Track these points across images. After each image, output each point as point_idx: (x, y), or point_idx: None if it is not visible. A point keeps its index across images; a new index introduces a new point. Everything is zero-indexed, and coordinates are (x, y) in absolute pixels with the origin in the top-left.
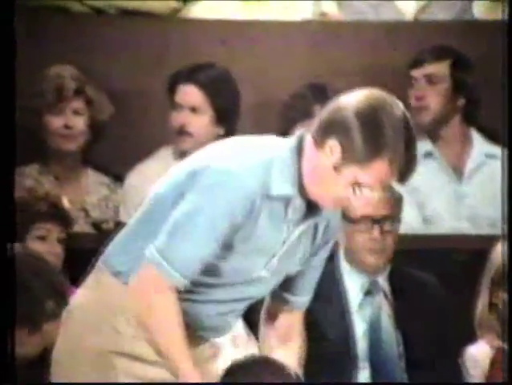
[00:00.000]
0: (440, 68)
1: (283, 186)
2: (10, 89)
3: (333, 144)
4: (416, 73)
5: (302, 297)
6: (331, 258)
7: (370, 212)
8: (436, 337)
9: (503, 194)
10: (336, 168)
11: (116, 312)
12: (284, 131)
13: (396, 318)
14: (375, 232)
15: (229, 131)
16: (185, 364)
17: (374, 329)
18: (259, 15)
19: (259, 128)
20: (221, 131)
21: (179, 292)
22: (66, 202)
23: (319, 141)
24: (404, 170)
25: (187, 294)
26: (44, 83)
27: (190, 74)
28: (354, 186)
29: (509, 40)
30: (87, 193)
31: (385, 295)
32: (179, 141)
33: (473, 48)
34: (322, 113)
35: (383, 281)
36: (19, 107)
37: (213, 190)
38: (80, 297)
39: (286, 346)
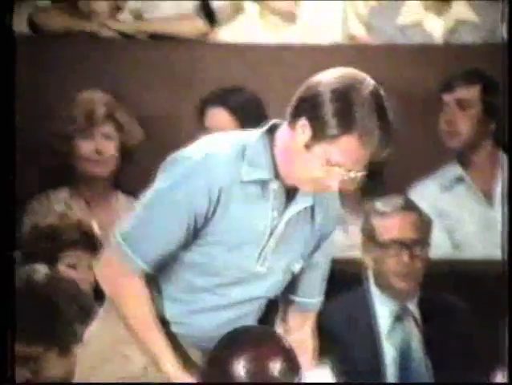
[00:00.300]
0: (471, 93)
1: (255, 171)
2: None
3: (303, 123)
4: (447, 97)
5: (311, 299)
6: (361, 282)
7: (399, 236)
8: (465, 362)
9: None
10: (308, 147)
11: (127, 341)
12: None
13: (426, 343)
14: (405, 256)
15: None
16: (158, 347)
17: (404, 355)
18: (288, 39)
19: None
20: None
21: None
22: (96, 228)
23: (291, 122)
24: (378, 148)
25: (187, 305)
26: (75, 108)
27: (219, 98)
28: (326, 165)
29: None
30: (118, 218)
31: (415, 321)
32: None
33: (502, 71)
34: (295, 94)
35: (413, 306)
36: (50, 131)
37: (175, 177)
38: (93, 326)
39: (300, 350)
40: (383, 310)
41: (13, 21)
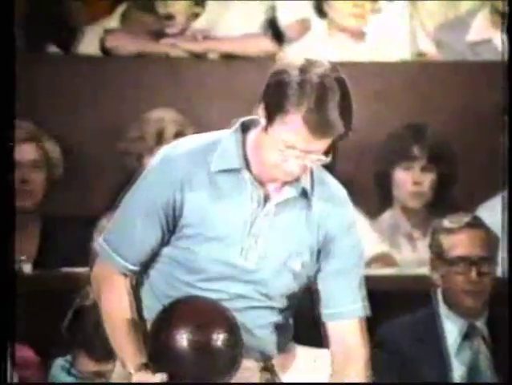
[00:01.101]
0: None
1: (224, 162)
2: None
3: (261, 107)
4: None
5: (341, 308)
6: (430, 300)
7: (466, 252)
8: None
9: None
10: (266, 130)
11: None
12: (383, 172)
13: (495, 361)
14: (473, 273)
15: (328, 171)
16: (124, 347)
17: (472, 373)
18: (356, 56)
19: (357, 169)
20: None
21: None
22: None
23: (257, 110)
24: (329, 131)
25: None
26: (145, 126)
27: None
28: (283, 147)
29: None
30: None
31: (484, 339)
32: None
33: None
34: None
35: (481, 324)
36: (121, 150)
37: (141, 177)
38: None
39: (348, 359)
40: (451, 327)
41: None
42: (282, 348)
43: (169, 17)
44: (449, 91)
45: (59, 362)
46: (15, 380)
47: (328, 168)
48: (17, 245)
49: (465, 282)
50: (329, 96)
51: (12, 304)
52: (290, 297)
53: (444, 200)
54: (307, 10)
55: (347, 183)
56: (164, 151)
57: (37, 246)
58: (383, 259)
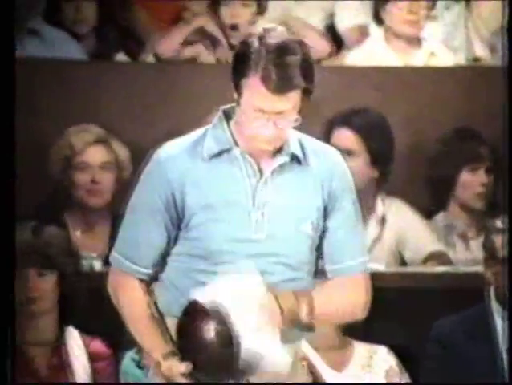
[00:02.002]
0: None
1: (213, 146)
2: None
3: (233, 83)
4: None
5: (340, 265)
6: (482, 297)
7: None
8: None
9: None
10: (238, 103)
11: None
12: (446, 174)
13: None
14: None
15: (384, 174)
16: (148, 344)
17: None
18: (412, 61)
19: (412, 171)
20: (376, 173)
21: None
22: None
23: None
24: (279, 83)
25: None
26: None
27: (346, 119)
28: (254, 113)
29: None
30: None
31: None
32: None
33: None
34: None
35: None
36: None
37: (144, 181)
38: None
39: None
40: (503, 324)
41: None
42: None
43: (234, 27)
44: (503, 95)
45: (130, 355)
46: (20, 379)
47: (384, 171)
48: (87, 242)
49: None
50: (284, 55)
51: (12, 305)
52: (308, 264)
53: (499, 200)
54: (365, 17)
55: (402, 184)
56: (156, 154)
57: (107, 244)
58: (438, 257)
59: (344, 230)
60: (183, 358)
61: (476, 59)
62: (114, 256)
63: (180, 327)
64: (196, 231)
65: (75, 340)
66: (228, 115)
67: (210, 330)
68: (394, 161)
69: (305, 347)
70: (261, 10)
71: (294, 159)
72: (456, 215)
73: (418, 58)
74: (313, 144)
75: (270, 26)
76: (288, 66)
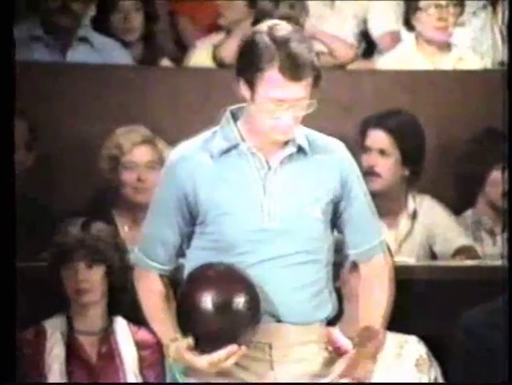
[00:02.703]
0: None
1: (222, 143)
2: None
3: (241, 83)
4: None
5: (367, 245)
6: (504, 288)
7: None
8: None
9: None
10: (253, 99)
11: None
12: (476, 172)
13: None
14: None
15: (415, 172)
16: (163, 336)
17: None
18: (442, 65)
19: (441, 169)
20: (407, 171)
21: None
22: None
23: (238, 90)
24: (296, 70)
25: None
26: None
27: (379, 120)
28: (272, 104)
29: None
30: None
31: None
32: (368, 181)
33: None
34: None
35: None
36: None
37: (160, 183)
38: None
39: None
40: None
41: (15, 52)
42: (325, 313)
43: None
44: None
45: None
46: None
47: (415, 170)
48: (134, 237)
49: None
50: (295, 45)
51: (13, 308)
52: (324, 250)
53: None
54: (397, 24)
55: (432, 182)
56: (170, 156)
57: None
58: (466, 251)
59: (362, 216)
60: (185, 328)
61: (501, 63)
62: (135, 252)
63: (182, 297)
64: (212, 226)
65: (122, 329)
66: (235, 115)
67: (209, 300)
68: (425, 160)
69: (337, 334)
70: (299, 21)
71: (301, 150)
72: (484, 212)
73: (447, 63)
74: (320, 138)
75: (272, 22)
76: (300, 54)
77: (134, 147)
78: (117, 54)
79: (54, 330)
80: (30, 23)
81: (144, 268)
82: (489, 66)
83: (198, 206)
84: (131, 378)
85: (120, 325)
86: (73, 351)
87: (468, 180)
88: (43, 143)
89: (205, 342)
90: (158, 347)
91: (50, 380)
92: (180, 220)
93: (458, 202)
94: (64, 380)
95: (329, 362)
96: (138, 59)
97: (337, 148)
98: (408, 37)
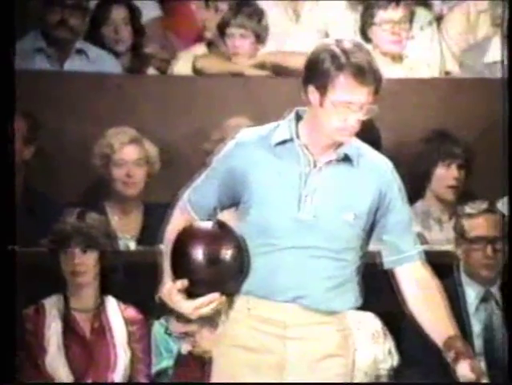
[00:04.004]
0: None
1: (279, 136)
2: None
3: (311, 89)
4: None
5: (404, 253)
6: (453, 271)
7: (483, 233)
8: None
9: None
10: (321, 104)
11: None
12: (424, 169)
13: (506, 320)
14: (488, 250)
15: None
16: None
17: (487, 330)
18: (396, 74)
19: (395, 167)
20: None
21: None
22: None
23: (304, 92)
24: (365, 74)
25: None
26: (225, 131)
27: None
28: (340, 108)
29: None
30: None
31: (496, 302)
32: None
33: None
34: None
35: (495, 290)
36: (206, 150)
37: (221, 154)
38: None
39: (428, 296)
40: (470, 292)
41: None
42: (348, 304)
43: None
44: (471, 102)
45: (160, 322)
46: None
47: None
48: (123, 226)
49: (483, 257)
50: (364, 53)
51: (14, 312)
52: (352, 251)
53: (468, 191)
54: (355, 37)
55: None
56: (238, 136)
57: (140, 227)
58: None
59: (399, 227)
60: (178, 277)
61: (447, 72)
62: (183, 197)
63: (177, 248)
64: (255, 207)
65: (112, 307)
66: (299, 116)
67: (200, 252)
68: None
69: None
70: (260, 40)
71: (347, 159)
72: (432, 203)
73: (400, 72)
74: (370, 153)
75: (338, 38)
76: (366, 63)
77: (123, 147)
78: (109, 64)
79: (52, 307)
80: (33, 37)
81: (181, 209)
82: (436, 74)
83: (245, 185)
84: (120, 351)
85: (111, 303)
86: (69, 326)
87: (418, 175)
88: (42, 142)
89: (194, 288)
90: (144, 323)
91: (49, 352)
92: (222, 189)
93: (409, 195)
94: (61, 352)
95: (343, 344)
96: (127, 68)
97: (382, 166)
98: None
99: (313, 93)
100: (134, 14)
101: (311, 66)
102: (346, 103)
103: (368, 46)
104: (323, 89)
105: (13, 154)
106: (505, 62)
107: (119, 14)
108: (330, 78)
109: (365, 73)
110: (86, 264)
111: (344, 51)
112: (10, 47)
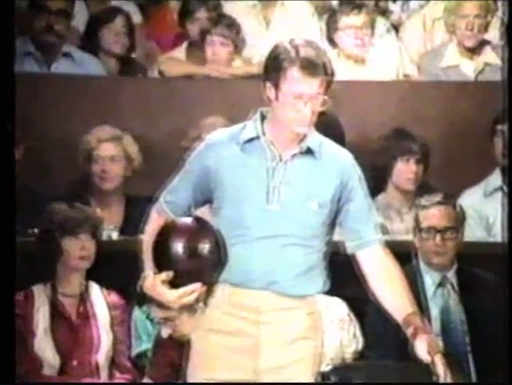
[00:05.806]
0: None
1: (247, 134)
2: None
3: (268, 85)
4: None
5: (364, 238)
6: (410, 259)
7: (434, 223)
8: (492, 317)
9: None
10: (277, 98)
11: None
12: (384, 164)
13: (462, 303)
14: (437, 239)
15: None
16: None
17: (444, 313)
18: (359, 76)
19: (358, 162)
20: None
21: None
22: None
23: (264, 91)
24: (315, 66)
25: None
26: (202, 129)
27: None
28: (294, 100)
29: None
30: None
31: (453, 287)
32: None
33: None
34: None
35: (451, 276)
36: (184, 147)
37: (194, 154)
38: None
39: (389, 279)
40: (428, 278)
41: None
42: (317, 288)
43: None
44: (428, 104)
45: (142, 308)
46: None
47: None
48: (106, 217)
49: (432, 245)
50: (313, 48)
51: (12, 315)
52: (319, 238)
53: (426, 184)
54: (322, 41)
55: None
56: (208, 137)
57: (122, 218)
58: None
59: (359, 214)
60: (161, 269)
61: (406, 75)
62: (159, 199)
63: (159, 243)
64: (227, 200)
65: (96, 293)
66: (263, 115)
67: (181, 245)
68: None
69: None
70: (238, 50)
71: (310, 152)
72: (393, 195)
73: (363, 74)
74: (331, 146)
75: (292, 37)
76: (315, 56)
77: (100, 144)
78: (94, 67)
79: (40, 292)
80: (22, 41)
81: (158, 211)
82: (396, 77)
83: (217, 182)
84: (103, 333)
85: (95, 289)
86: (56, 310)
87: (379, 169)
88: (31, 139)
89: (176, 279)
90: (126, 308)
91: (37, 334)
92: (196, 188)
93: (372, 188)
94: (49, 334)
95: (313, 327)
96: (110, 71)
97: (343, 157)
98: (331, 52)
99: (270, 89)
100: (130, 21)
101: (267, 64)
102: (298, 94)
103: (334, 50)
104: (277, 83)
105: (13, 154)
106: (505, 64)
107: (121, 20)
108: (282, 72)
109: (314, 65)
110: (90, 249)
111: (295, 47)
112: (10, 51)
